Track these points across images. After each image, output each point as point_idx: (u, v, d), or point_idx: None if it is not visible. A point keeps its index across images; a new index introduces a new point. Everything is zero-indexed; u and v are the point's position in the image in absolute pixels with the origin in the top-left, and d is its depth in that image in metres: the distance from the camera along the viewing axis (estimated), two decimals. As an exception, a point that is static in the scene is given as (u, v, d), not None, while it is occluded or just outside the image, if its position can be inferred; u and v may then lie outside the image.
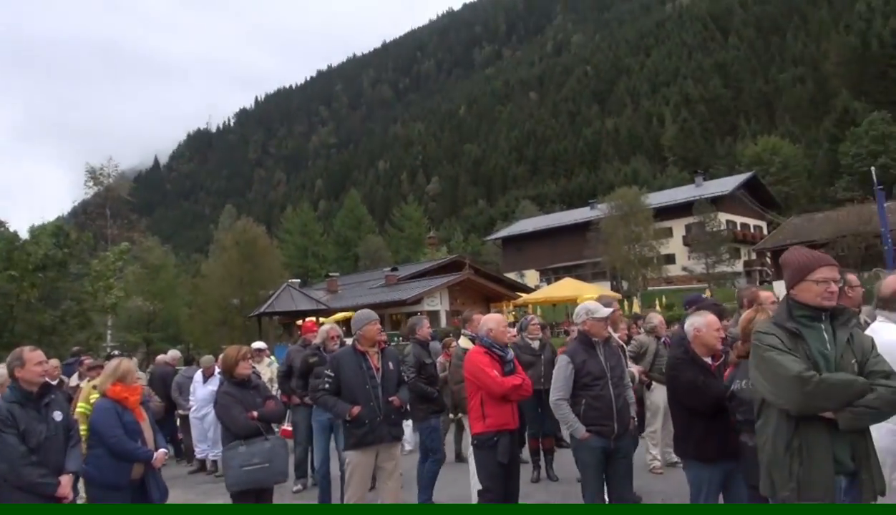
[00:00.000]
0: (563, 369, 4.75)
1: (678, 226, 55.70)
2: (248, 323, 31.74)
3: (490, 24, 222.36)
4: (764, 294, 5.16)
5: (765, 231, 59.42)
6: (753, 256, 55.44)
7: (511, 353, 5.11)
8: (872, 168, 24.33)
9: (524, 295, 35.01)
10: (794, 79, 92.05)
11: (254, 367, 8.62)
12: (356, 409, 5.11)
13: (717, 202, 53.32)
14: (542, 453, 7.80)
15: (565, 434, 9.67)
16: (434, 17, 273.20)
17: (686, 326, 4.22)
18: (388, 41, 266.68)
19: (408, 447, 9.65)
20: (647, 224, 47.13)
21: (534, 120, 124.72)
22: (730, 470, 3.89)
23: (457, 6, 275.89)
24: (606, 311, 4.91)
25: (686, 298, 5.95)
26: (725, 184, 59.71)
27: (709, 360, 4.07)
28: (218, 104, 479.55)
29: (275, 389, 9.16)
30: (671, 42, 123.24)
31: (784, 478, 2.70)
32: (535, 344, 7.88)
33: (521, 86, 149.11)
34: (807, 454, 2.67)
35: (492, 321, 5.12)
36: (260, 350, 9.97)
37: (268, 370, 9.81)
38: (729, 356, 4.11)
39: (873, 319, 3.58)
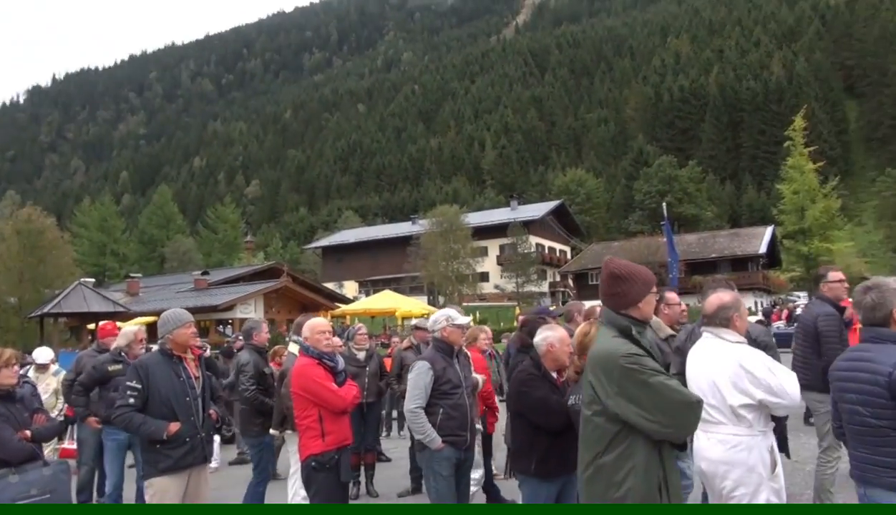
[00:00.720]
0: (422, 376, 4.45)
1: (493, 246, 58.28)
2: (28, 324, 27.99)
3: (321, 30, 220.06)
4: (600, 308, 5.30)
5: (569, 255, 64.16)
6: (558, 278, 59.59)
7: (341, 362, 4.74)
8: (665, 203, 27.11)
9: (343, 306, 34.53)
10: (599, 119, 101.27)
11: (27, 378, 7.39)
12: (175, 426, 4.31)
13: (529, 226, 56.55)
14: (362, 468, 7.50)
15: (386, 446, 9.51)
16: (264, 17, 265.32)
17: (538, 340, 4.14)
18: (211, 34, 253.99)
19: (214, 464, 8.86)
20: (466, 242, 48.77)
21: (360, 131, 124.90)
22: (563, 483, 3.91)
23: (288, 8, 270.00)
24: (466, 319, 4.82)
25: (537, 309, 6.00)
26: (537, 210, 63.54)
27: (554, 375, 4.05)
28: (5, 77, 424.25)
29: (60, 403, 7.95)
30: (494, 72, 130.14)
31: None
32: (361, 355, 7.58)
33: (349, 97, 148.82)
34: (671, 483, 2.58)
35: (308, 328, 4.61)
36: (43, 364, 8.50)
37: (53, 380, 8.46)
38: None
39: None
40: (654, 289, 2.77)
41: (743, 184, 78.79)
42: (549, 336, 4.10)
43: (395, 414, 11.84)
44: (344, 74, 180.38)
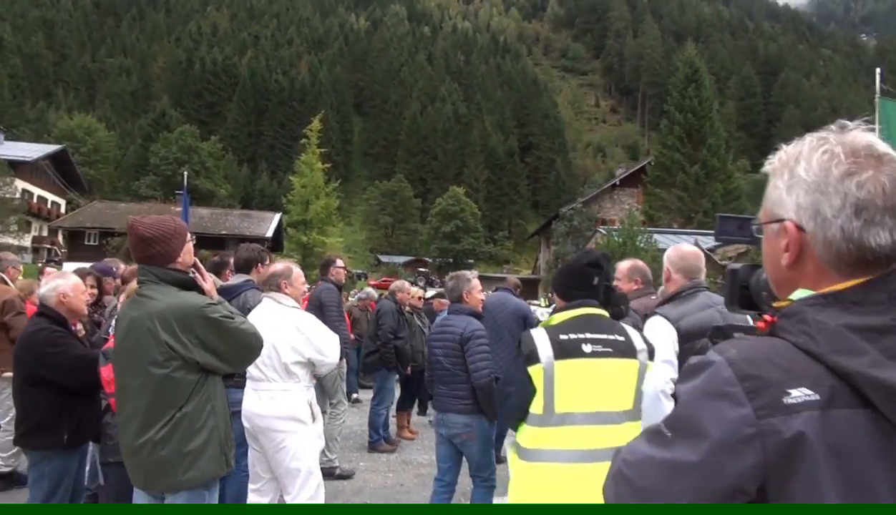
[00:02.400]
0: None
1: (-40, 184, 47.58)
2: None
3: None
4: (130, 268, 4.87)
5: (63, 209, 56.99)
6: (46, 232, 52.28)
7: None
8: (185, 173, 26.55)
9: None
10: (121, 68, 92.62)
11: None
12: None
13: (17, 167, 48.16)
14: None
15: None
16: None
17: (46, 292, 3.53)
18: None
19: None
20: None
21: None
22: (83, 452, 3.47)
23: None
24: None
25: (99, 266, 5.10)
26: (30, 151, 54.72)
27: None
28: None
29: None
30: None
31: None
32: None
33: None
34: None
35: None
36: None
37: None
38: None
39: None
40: (189, 237, 2.72)
41: (259, 169, 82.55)
42: (59, 284, 3.57)
43: None
44: None
